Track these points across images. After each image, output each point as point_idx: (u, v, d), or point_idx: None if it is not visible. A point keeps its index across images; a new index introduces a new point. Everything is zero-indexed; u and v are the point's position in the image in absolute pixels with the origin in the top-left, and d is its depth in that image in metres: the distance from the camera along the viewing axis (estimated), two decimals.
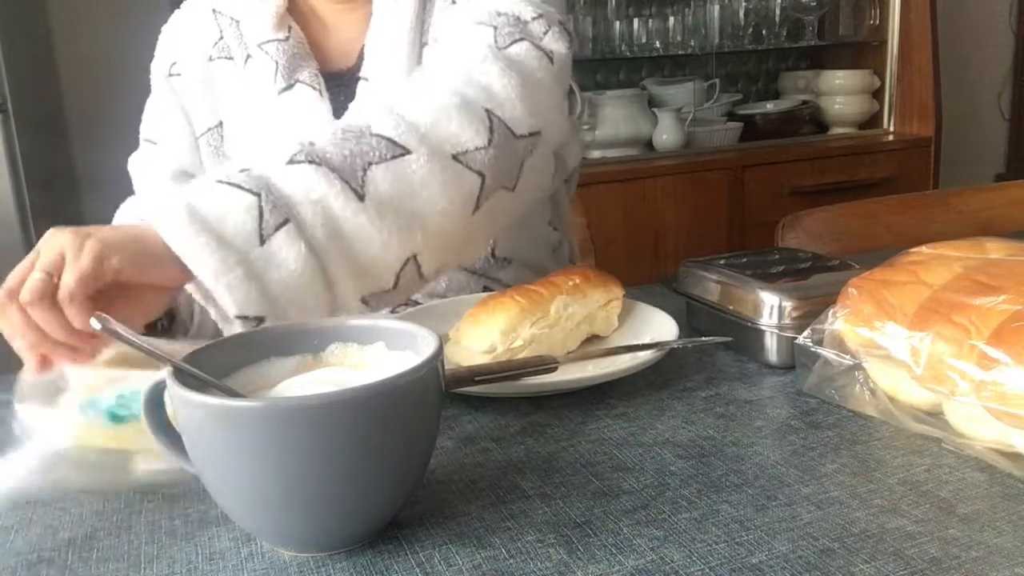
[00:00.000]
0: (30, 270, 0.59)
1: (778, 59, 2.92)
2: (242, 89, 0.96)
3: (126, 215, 0.91)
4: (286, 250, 0.64)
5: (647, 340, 0.75)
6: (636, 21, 2.57)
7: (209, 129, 0.97)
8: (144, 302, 0.63)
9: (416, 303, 0.99)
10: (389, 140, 0.69)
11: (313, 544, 0.49)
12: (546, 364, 0.66)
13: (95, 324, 0.48)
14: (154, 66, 1.01)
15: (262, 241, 0.63)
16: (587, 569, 0.46)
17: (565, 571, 0.46)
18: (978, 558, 0.45)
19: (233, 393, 0.51)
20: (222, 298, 0.62)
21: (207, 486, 0.50)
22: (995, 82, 3.21)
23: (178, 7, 1.01)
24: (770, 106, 2.74)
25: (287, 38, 0.92)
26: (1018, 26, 3.16)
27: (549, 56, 0.81)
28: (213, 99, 0.97)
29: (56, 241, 0.60)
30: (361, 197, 0.67)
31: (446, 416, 0.66)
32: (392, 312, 0.88)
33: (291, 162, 0.66)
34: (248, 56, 0.95)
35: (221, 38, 0.96)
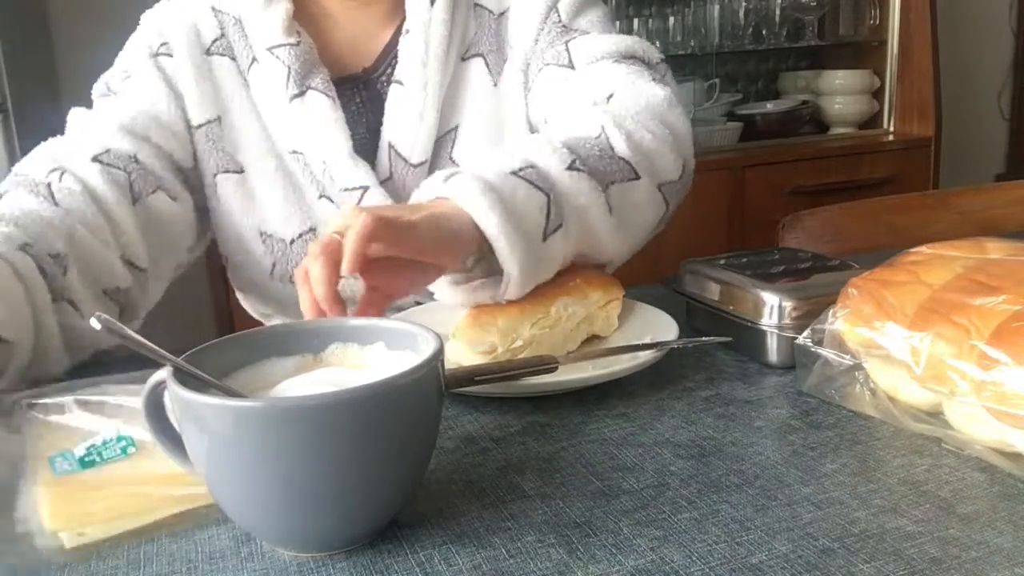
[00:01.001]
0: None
1: (778, 59, 2.91)
2: (245, 89, 0.95)
3: (43, 156, 0.88)
4: (557, 251, 0.72)
5: (647, 340, 0.75)
6: (636, 21, 2.57)
7: (208, 122, 0.95)
8: (416, 278, 0.69)
9: (417, 302, 0.99)
10: (629, 164, 0.78)
11: (313, 544, 0.49)
12: (546, 364, 0.66)
13: (95, 324, 0.48)
14: (133, 46, 0.97)
15: (544, 238, 0.70)
16: (587, 569, 0.46)
17: (565, 571, 0.46)
18: (978, 558, 0.45)
19: (233, 393, 0.51)
20: (514, 285, 0.69)
21: (207, 486, 0.50)
22: (995, 82, 3.21)
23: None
24: (770, 106, 2.74)
25: (298, 43, 0.92)
26: (1018, 26, 3.16)
27: (685, 108, 0.91)
28: (212, 92, 0.95)
29: (350, 217, 0.63)
30: (611, 210, 0.75)
31: (446, 416, 0.66)
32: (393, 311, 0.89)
33: (570, 168, 0.73)
34: (254, 59, 0.94)
35: (222, 35, 0.95)
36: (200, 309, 2.50)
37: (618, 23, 2.54)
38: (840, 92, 2.71)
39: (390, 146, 0.93)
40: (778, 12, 2.67)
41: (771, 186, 2.46)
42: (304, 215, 0.96)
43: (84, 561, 0.49)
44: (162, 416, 0.51)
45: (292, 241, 0.96)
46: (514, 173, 0.70)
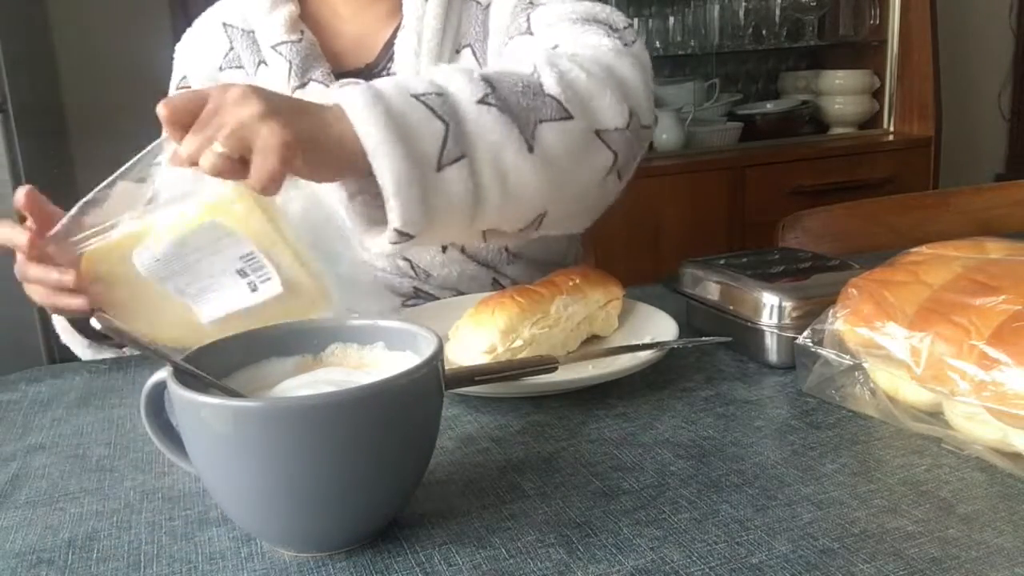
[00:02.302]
0: (200, 112, 0.63)
1: (778, 59, 2.91)
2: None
3: None
4: (455, 184, 0.68)
5: (647, 340, 0.75)
6: (636, 21, 2.57)
7: None
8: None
9: (419, 297, 1.00)
10: (559, 103, 0.73)
11: (313, 544, 0.49)
12: (546, 364, 0.66)
13: (95, 324, 0.48)
14: (171, 85, 1.04)
15: (439, 168, 0.67)
16: (587, 569, 0.46)
17: (565, 571, 0.46)
18: (978, 558, 0.45)
19: (233, 393, 0.51)
20: (392, 209, 0.66)
21: (207, 486, 0.50)
22: (995, 82, 3.21)
23: (184, 14, 1.04)
24: (770, 106, 2.74)
25: (300, 40, 0.96)
26: (1018, 26, 3.15)
27: (644, 63, 0.86)
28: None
29: (240, 113, 0.62)
30: (531, 149, 0.71)
31: (446, 416, 0.66)
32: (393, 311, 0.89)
33: (481, 102, 0.70)
34: (260, 62, 0.98)
35: (231, 49, 1.00)
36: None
37: None
38: (840, 92, 2.71)
39: None
40: (778, 12, 2.66)
41: (771, 186, 2.46)
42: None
43: None
44: (162, 416, 0.51)
45: None
46: (416, 96, 0.68)
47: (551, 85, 0.74)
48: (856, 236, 1.32)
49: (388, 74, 0.97)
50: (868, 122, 2.74)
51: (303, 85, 0.95)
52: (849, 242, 1.29)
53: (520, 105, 0.72)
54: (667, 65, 2.74)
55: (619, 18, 0.89)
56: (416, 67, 0.94)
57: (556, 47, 0.83)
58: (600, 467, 0.57)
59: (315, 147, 0.64)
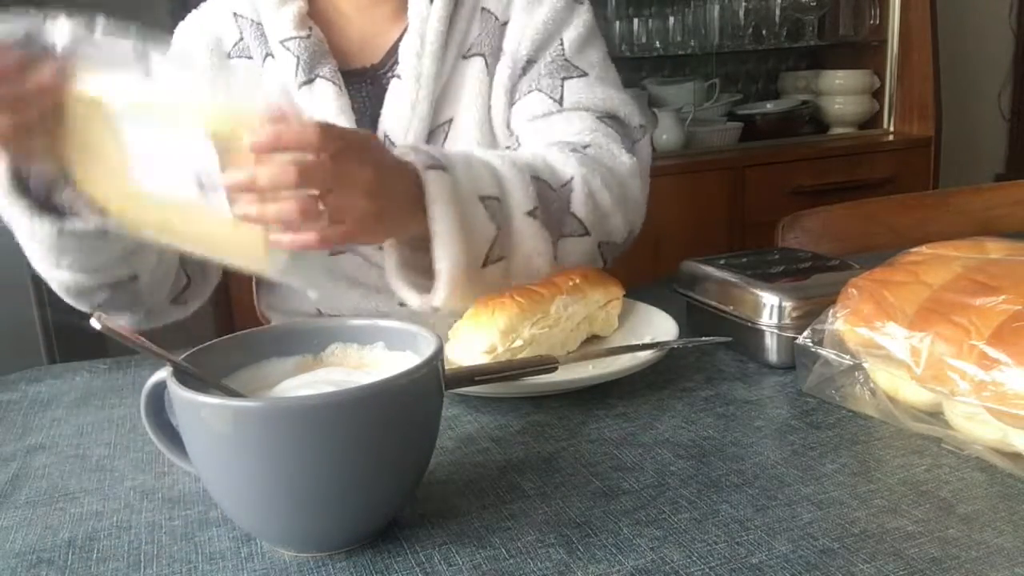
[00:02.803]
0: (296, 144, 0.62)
1: (778, 59, 2.91)
2: (260, 86, 0.99)
3: None
4: (493, 277, 0.78)
5: (647, 340, 0.75)
6: (636, 21, 2.57)
7: None
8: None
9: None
10: (580, 222, 0.85)
11: (313, 544, 0.49)
12: (546, 364, 0.66)
13: (95, 324, 0.48)
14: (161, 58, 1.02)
15: (484, 264, 0.77)
16: (587, 569, 0.46)
17: (565, 571, 0.46)
18: (978, 558, 0.45)
19: (233, 393, 0.51)
20: (439, 290, 0.75)
21: (207, 486, 0.50)
22: (995, 82, 3.21)
23: (183, 16, 1.04)
24: (770, 106, 2.74)
25: (308, 36, 0.97)
26: (1018, 26, 3.16)
27: (647, 164, 0.98)
28: (228, 92, 0.98)
29: (354, 184, 0.66)
30: (555, 258, 0.82)
31: (446, 416, 0.66)
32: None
33: (529, 214, 0.80)
34: (268, 54, 0.99)
35: (241, 39, 1.00)
36: (201, 309, 2.49)
37: (618, 23, 2.54)
38: (840, 92, 2.71)
39: (385, 136, 0.97)
40: (778, 12, 2.66)
41: (771, 186, 2.46)
42: None
43: None
44: (162, 416, 0.51)
45: None
46: (481, 198, 0.77)
47: (579, 205, 0.84)
48: (856, 236, 1.32)
49: (393, 75, 0.97)
50: (868, 122, 2.74)
51: (310, 81, 0.96)
52: (849, 242, 1.29)
53: (553, 220, 0.82)
54: (667, 65, 2.74)
55: (635, 117, 0.98)
56: (419, 70, 0.95)
57: (587, 147, 0.92)
58: (600, 467, 0.57)
59: (390, 225, 0.73)
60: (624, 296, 0.82)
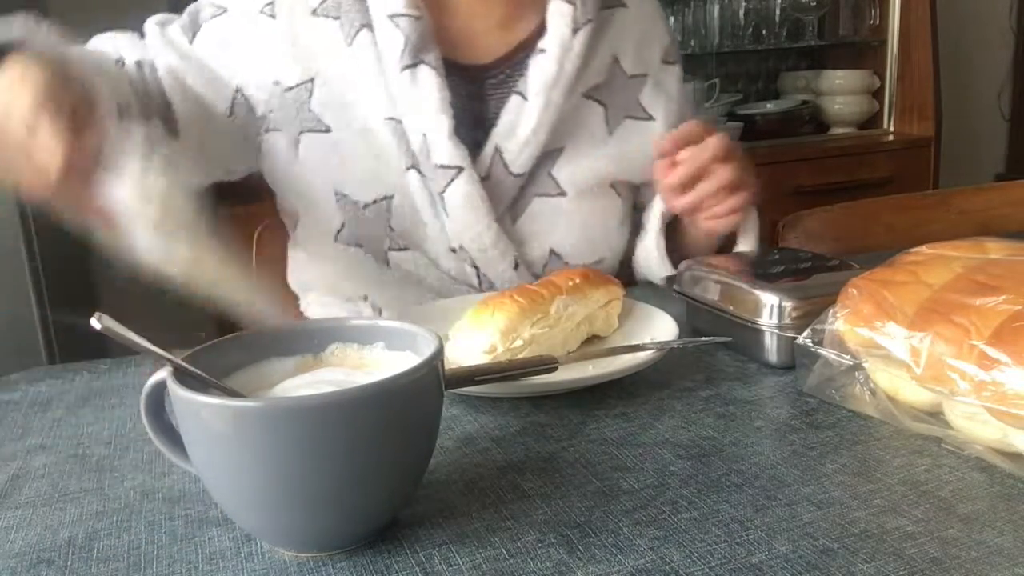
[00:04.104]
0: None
1: (778, 59, 2.91)
2: (345, 51, 0.95)
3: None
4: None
5: (647, 340, 0.75)
6: None
7: (300, 84, 0.96)
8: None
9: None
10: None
11: (313, 544, 0.49)
12: (546, 364, 0.66)
13: (95, 324, 0.48)
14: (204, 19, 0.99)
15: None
16: (587, 569, 0.46)
17: (565, 571, 0.46)
18: (978, 558, 0.45)
19: (233, 393, 0.51)
20: (746, 243, 1.02)
21: (207, 486, 0.50)
22: (995, 82, 3.21)
23: (176, 8, 1.01)
24: (770, 106, 2.74)
25: (419, 17, 0.93)
26: (1018, 26, 3.16)
27: None
28: (305, 54, 0.95)
29: (744, 185, 0.93)
30: None
31: (446, 416, 0.66)
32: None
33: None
34: (365, 25, 0.94)
35: None
36: (201, 308, 2.49)
37: None
38: (840, 92, 2.71)
39: (496, 149, 0.96)
40: (778, 12, 2.66)
41: (771, 186, 2.45)
42: (385, 182, 0.96)
43: None
44: (162, 416, 0.51)
45: (366, 206, 0.96)
46: None
47: None
48: (856, 236, 1.32)
49: (504, 84, 0.98)
50: (868, 122, 2.74)
51: (414, 65, 0.92)
52: (849, 242, 1.29)
53: None
54: None
55: None
56: (549, 98, 0.96)
57: None
58: (600, 467, 0.57)
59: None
60: (624, 296, 0.82)
